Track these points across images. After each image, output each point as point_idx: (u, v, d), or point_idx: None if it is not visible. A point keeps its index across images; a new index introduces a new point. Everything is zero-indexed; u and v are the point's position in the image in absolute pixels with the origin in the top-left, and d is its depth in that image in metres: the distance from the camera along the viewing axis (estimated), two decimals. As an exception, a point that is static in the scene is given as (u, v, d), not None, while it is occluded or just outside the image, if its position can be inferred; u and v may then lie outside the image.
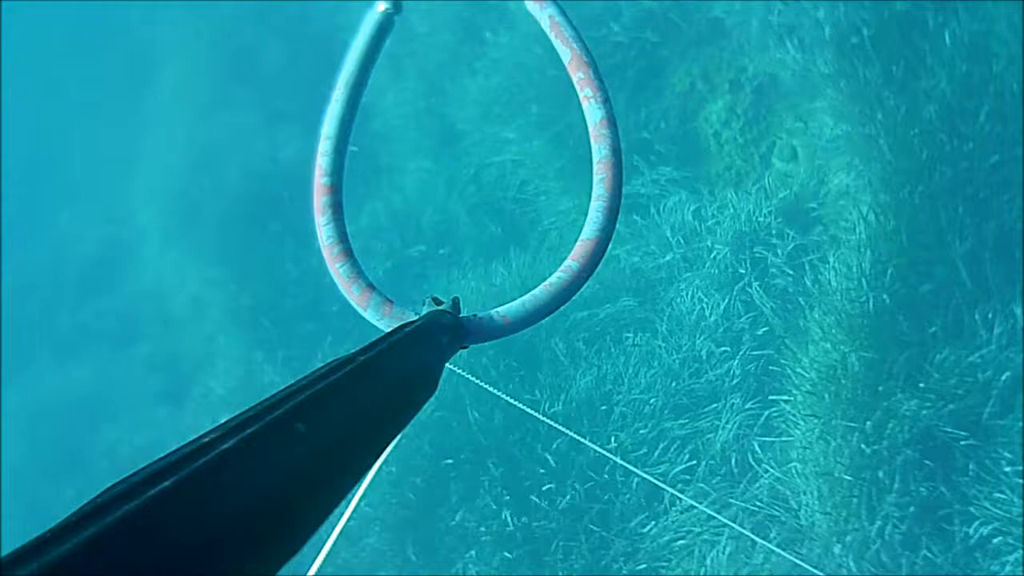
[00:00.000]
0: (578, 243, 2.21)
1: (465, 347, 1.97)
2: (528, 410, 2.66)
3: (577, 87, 2.37)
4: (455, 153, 11.84)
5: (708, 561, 7.49)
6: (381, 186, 12.45)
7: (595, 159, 2.29)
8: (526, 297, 2.06)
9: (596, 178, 2.29)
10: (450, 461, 8.83)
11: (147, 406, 14.48)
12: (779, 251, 8.17)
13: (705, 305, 8.43)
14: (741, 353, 8.10)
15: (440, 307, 1.93)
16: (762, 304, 8.12)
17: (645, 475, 3.32)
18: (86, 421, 15.32)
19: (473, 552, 8.47)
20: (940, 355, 6.72)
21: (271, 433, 1.01)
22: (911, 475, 6.67)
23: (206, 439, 0.94)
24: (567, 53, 2.39)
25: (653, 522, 7.85)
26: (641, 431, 8.14)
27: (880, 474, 6.74)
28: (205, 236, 14.54)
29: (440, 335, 1.80)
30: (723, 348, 8.21)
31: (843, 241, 7.70)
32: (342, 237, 2.23)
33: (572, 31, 2.40)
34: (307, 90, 12.19)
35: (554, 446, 8.29)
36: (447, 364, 1.83)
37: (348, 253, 2.21)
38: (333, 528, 1.85)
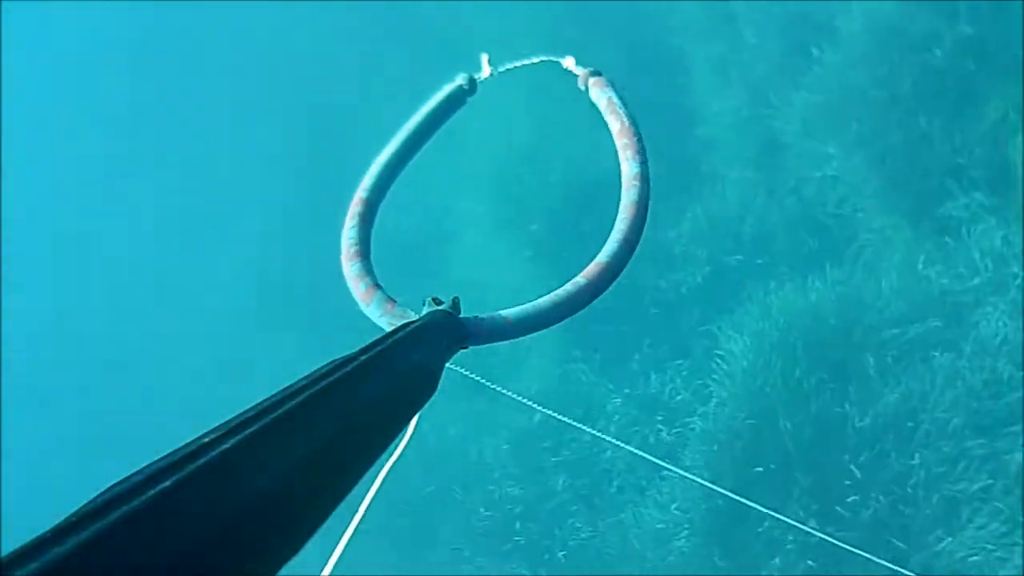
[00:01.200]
0: (592, 262, 2.51)
1: (465, 347, 2.17)
2: (538, 407, 3.06)
3: (620, 150, 2.83)
4: (776, 164, 13.52)
5: (1000, 577, 9.00)
6: (703, 192, 14.30)
7: (623, 202, 2.69)
8: (529, 304, 2.33)
9: (620, 216, 2.64)
10: (760, 469, 10.38)
11: (448, 400, 14.94)
12: (1082, 284, 9.54)
13: (1009, 329, 9.93)
14: (1040, 379, 9.53)
15: (441, 307, 2.11)
16: (1062, 332, 9.54)
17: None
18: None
19: (777, 560, 10.13)
20: None
21: (271, 433, 1.13)
22: None
23: (206, 439, 1.06)
24: (616, 124, 2.90)
25: (949, 537, 9.38)
26: (944, 449, 9.73)
27: None
28: (529, 230, 16.13)
29: (441, 335, 1.99)
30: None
31: None
32: (361, 240, 2.57)
33: (625, 109, 2.93)
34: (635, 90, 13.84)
35: (861, 459, 9.98)
36: (448, 364, 2.03)
37: (362, 255, 2.53)
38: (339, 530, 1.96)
